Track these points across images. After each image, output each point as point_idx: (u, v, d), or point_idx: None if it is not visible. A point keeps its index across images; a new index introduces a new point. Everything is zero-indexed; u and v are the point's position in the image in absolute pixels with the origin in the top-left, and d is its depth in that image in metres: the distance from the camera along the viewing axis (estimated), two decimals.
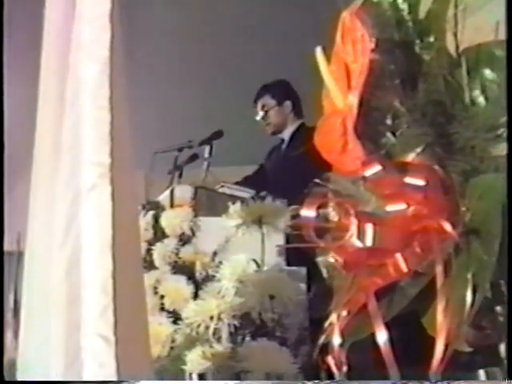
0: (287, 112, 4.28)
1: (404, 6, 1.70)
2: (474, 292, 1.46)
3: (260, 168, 4.29)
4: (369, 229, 1.53)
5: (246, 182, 3.95)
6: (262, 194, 3.04)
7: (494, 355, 1.60)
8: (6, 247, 2.34)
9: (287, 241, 2.68)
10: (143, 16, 5.70)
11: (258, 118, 4.31)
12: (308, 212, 1.61)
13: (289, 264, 2.83)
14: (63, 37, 1.87)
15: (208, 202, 3.30)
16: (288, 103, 4.27)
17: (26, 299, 1.88)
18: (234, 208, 2.50)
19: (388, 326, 1.55)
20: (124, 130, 1.84)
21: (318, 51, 1.71)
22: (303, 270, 2.67)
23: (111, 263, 1.70)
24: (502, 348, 1.58)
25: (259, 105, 4.33)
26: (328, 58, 1.74)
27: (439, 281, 1.48)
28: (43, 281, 1.83)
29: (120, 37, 1.83)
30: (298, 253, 2.47)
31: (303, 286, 2.60)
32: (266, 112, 4.30)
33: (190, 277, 2.78)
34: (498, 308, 1.55)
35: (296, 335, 2.30)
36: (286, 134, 4.23)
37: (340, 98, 1.68)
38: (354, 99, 1.62)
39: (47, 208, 1.86)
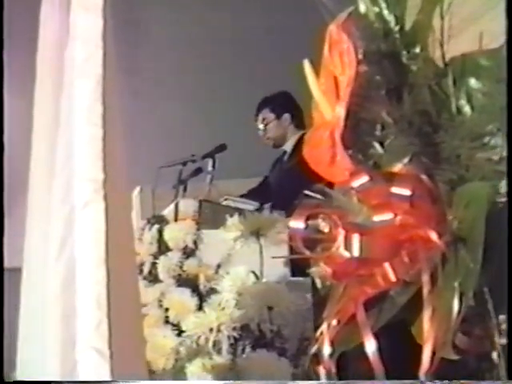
0: (286, 124, 4.30)
1: (390, 18, 1.71)
2: (461, 300, 1.47)
3: (264, 180, 4.31)
4: (355, 239, 1.55)
5: (250, 195, 3.97)
6: (261, 206, 3.06)
7: (487, 362, 1.61)
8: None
9: (291, 252, 2.69)
10: (146, 32, 5.76)
11: (260, 132, 4.34)
12: (297, 223, 1.63)
13: (294, 275, 2.85)
14: (57, 55, 1.90)
15: (212, 215, 3.32)
16: (287, 116, 4.28)
17: (23, 313, 1.90)
18: (232, 221, 2.52)
19: (378, 335, 1.56)
20: (117, 146, 1.86)
21: (306, 64, 1.72)
22: (308, 281, 2.68)
23: (105, 278, 1.72)
24: (495, 355, 1.59)
25: (259, 119, 4.36)
26: (318, 70, 1.76)
27: (426, 289, 1.49)
28: (40, 295, 1.85)
29: (113, 55, 1.85)
30: (302, 263, 2.49)
31: (309, 296, 2.61)
32: (266, 126, 4.33)
33: (194, 289, 2.80)
34: (490, 315, 1.55)
35: (296, 346, 2.32)
36: (288, 146, 4.24)
37: (328, 109, 1.70)
38: (341, 111, 1.64)
39: (43, 223, 1.88)
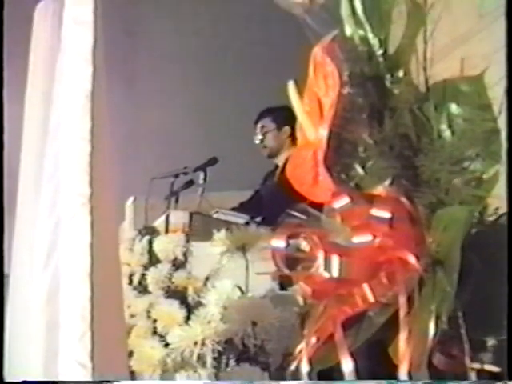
0: (284, 137, 4.31)
1: (375, 41, 1.74)
2: (437, 322, 1.49)
3: (255, 194, 4.32)
4: (335, 260, 1.57)
5: (241, 208, 3.99)
6: (251, 219, 3.07)
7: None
8: None
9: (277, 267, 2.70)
10: (142, 43, 5.78)
11: (257, 140, 4.35)
12: (278, 242, 1.65)
13: (282, 288, 2.86)
14: (48, 67, 1.92)
15: (203, 228, 3.33)
16: (287, 128, 4.29)
17: (8, 323, 1.92)
18: (219, 235, 2.53)
19: (355, 354, 1.58)
20: (106, 160, 1.88)
21: (291, 85, 1.75)
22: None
23: (89, 290, 1.74)
24: (472, 376, 1.61)
25: (259, 126, 4.37)
26: (303, 90, 1.78)
27: (402, 311, 1.51)
28: (24, 306, 1.87)
29: (104, 69, 1.87)
30: (289, 278, 2.50)
31: (297, 309, 2.63)
32: (265, 134, 4.34)
33: (183, 301, 2.81)
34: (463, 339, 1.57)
35: (279, 361, 2.33)
36: (280, 160, 4.26)
37: (312, 130, 1.72)
38: (324, 132, 1.66)
39: (30, 234, 1.90)
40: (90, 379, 1.70)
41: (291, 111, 4.50)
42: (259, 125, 4.38)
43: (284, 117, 4.32)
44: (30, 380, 1.80)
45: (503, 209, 1.65)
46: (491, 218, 1.67)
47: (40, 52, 1.99)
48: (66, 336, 1.74)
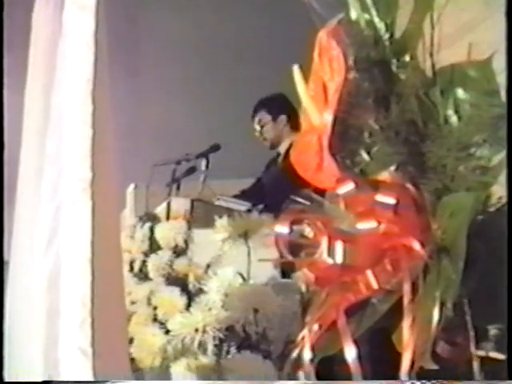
0: (282, 126, 4.30)
1: (381, 25, 1.72)
2: (442, 310, 1.48)
3: (257, 181, 4.31)
4: (338, 246, 1.55)
5: (243, 196, 3.97)
6: (253, 207, 3.06)
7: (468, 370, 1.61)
8: None
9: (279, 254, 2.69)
10: (143, 31, 5.76)
11: (256, 133, 4.35)
12: (282, 228, 1.63)
13: (284, 276, 2.85)
14: (49, 52, 1.91)
15: (204, 215, 3.32)
16: (283, 117, 4.29)
17: (8, 310, 1.91)
18: (221, 222, 2.52)
19: (358, 342, 1.56)
20: (108, 145, 1.86)
21: (295, 69, 1.73)
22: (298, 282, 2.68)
23: (90, 276, 1.72)
24: (476, 364, 1.59)
25: (256, 120, 4.36)
26: (308, 75, 1.76)
27: (406, 298, 1.50)
28: (24, 292, 1.86)
29: (106, 54, 1.86)
30: (291, 265, 2.49)
31: (298, 297, 2.61)
32: (262, 127, 4.34)
33: (184, 288, 2.80)
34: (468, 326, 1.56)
35: (281, 348, 2.32)
36: (282, 148, 4.25)
37: (316, 115, 1.70)
38: (329, 117, 1.64)
39: (30, 220, 1.89)
40: (91, 366, 1.69)
41: (285, 99, 4.48)
42: (256, 119, 4.38)
43: (278, 106, 4.32)
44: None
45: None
46: (495, 207, 1.65)
47: (41, 37, 1.97)
48: (67, 322, 1.72)
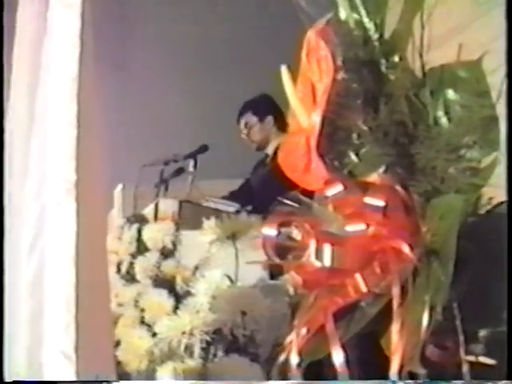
0: (269, 127, 4.28)
1: (370, 26, 1.70)
2: (431, 314, 1.46)
3: (246, 182, 4.29)
4: (327, 249, 1.53)
5: (231, 197, 3.95)
6: (241, 208, 3.04)
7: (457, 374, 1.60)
8: None
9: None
10: (131, 29, 5.73)
11: (243, 135, 4.32)
12: (269, 230, 1.61)
13: (272, 278, 2.83)
14: (34, 51, 1.88)
15: (193, 216, 3.30)
16: (269, 118, 4.27)
17: None
18: (209, 224, 2.49)
19: (346, 346, 1.54)
20: (93, 146, 1.84)
21: (283, 70, 1.71)
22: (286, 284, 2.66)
23: (75, 279, 1.70)
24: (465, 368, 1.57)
25: (242, 123, 4.34)
26: (296, 76, 1.75)
27: (396, 302, 1.48)
28: (8, 294, 1.83)
29: (92, 53, 1.83)
30: (280, 268, 2.47)
31: (287, 299, 2.59)
32: (249, 130, 4.31)
33: (171, 291, 2.77)
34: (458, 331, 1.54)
35: (268, 352, 2.29)
36: (270, 149, 4.23)
37: (305, 116, 1.68)
38: (317, 118, 1.63)
39: (16, 221, 1.86)
40: (74, 370, 1.67)
41: (270, 100, 4.46)
42: (242, 121, 4.36)
43: (264, 107, 4.30)
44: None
45: (497, 198, 1.61)
46: (485, 208, 1.63)
47: (26, 36, 1.94)
48: (51, 326, 1.70)
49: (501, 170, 1.57)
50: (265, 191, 3.62)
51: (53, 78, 1.80)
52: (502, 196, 1.58)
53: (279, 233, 1.60)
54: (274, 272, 2.78)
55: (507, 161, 1.50)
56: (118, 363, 2.47)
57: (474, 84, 1.59)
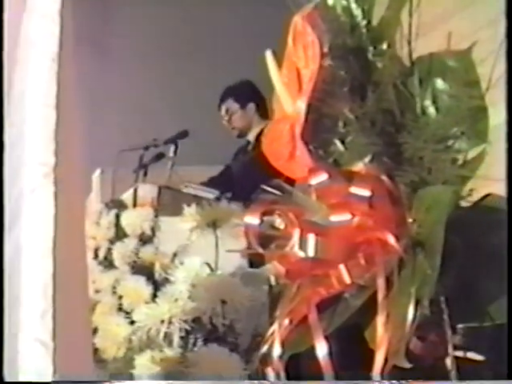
0: (251, 114, 4.26)
1: (358, 12, 1.67)
2: (417, 307, 1.43)
3: (226, 169, 4.27)
4: (311, 239, 1.50)
5: (211, 183, 3.92)
6: (221, 195, 3.01)
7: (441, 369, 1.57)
8: None
9: (248, 245, 2.64)
10: (115, 9, 5.67)
11: (224, 122, 4.29)
12: (252, 218, 1.58)
13: (252, 266, 2.80)
14: (13, 29, 1.83)
15: (172, 202, 3.27)
16: (251, 105, 4.24)
17: None
18: (189, 210, 2.46)
19: (330, 338, 1.52)
20: (71, 129, 1.80)
21: (268, 55, 1.67)
22: (266, 273, 2.63)
23: (52, 266, 1.66)
24: (449, 362, 1.55)
25: (223, 109, 4.30)
26: (281, 61, 1.71)
27: (380, 294, 1.45)
28: None
29: (72, 32, 1.79)
30: (260, 256, 2.44)
31: (266, 288, 2.57)
32: (230, 116, 4.28)
33: (150, 277, 2.74)
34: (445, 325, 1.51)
35: (248, 341, 2.27)
36: (252, 136, 4.20)
37: (289, 103, 1.65)
38: (302, 105, 1.59)
39: None
40: (51, 358, 1.63)
41: (252, 86, 4.44)
42: (223, 107, 4.32)
43: (246, 94, 4.28)
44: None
45: (485, 190, 1.59)
46: (472, 200, 1.61)
47: (4, 12, 1.89)
48: (27, 313, 1.66)
49: (488, 161, 1.54)
50: (246, 178, 3.60)
51: (32, 57, 1.75)
52: (489, 188, 1.55)
53: (262, 221, 1.57)
54: (255, 261, 2.76)
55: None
56: (96, 350, 2.44)
57: (463, 74, 1.56)
